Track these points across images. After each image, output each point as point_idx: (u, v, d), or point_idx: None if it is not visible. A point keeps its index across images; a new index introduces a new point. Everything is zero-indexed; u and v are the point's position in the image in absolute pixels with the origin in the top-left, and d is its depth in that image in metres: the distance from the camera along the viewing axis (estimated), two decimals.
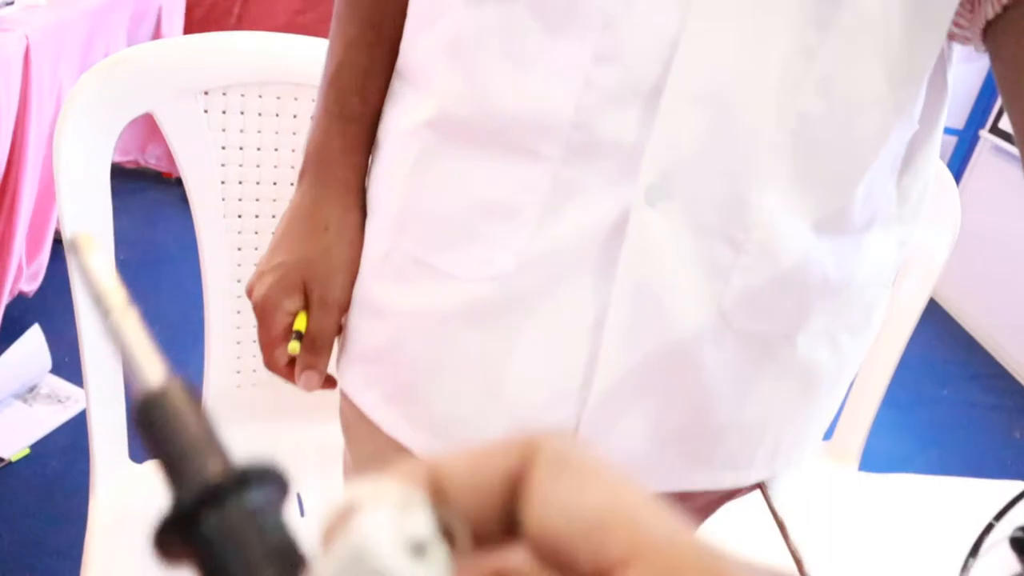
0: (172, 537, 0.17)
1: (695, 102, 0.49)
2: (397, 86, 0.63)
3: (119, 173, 0.91)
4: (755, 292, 0.55)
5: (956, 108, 3.41)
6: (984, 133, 3.35)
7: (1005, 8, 0.49)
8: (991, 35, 0.51)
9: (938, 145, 0.61)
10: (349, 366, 0.68)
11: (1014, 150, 3.13)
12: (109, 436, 0.96)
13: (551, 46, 0.50)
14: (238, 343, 1.05)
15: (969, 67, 3.31)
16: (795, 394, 0.62)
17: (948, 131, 3.43)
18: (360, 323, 0.65)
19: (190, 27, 2.77)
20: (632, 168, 0.51)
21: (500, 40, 0.52)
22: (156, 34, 2.52)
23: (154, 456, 0.19)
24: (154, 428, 0.19)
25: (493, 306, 0.57)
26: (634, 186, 0.51)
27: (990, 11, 0.50)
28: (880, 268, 0.61)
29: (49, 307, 2.05)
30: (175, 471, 0.18)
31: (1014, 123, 0.50)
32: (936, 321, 3.33)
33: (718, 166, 0.51)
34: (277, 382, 0.70)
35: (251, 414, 1.07)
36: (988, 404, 2.85)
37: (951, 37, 0.54)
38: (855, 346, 0.64)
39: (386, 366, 0.64)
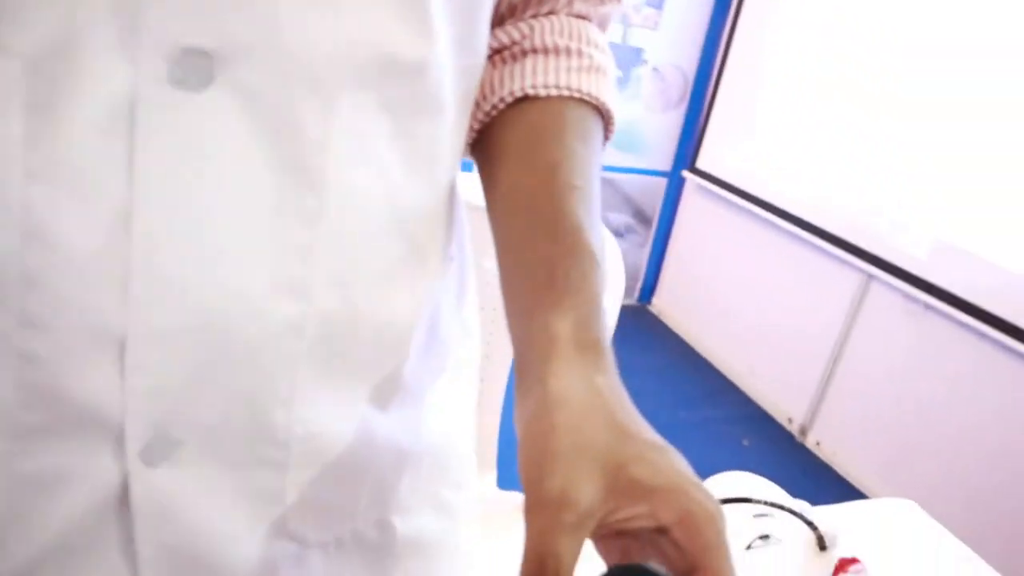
0: None
1: (171, 338, 0.38)
2: None
3: None
4: (324, 498, 0.46)
5: (662, 152, 3.73)
6: (686, 173, 3.69)
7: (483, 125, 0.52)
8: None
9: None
10: None
11: (711, 187, 3.47)
12: None
13: None
14: None
15: (668, 115, 3.62)
16: (421, 572, 0.56)
17: (657, 173, 3.73)
18: None
19: None
20: (113, 434, 0.38)
21: None
22: None
23: None
24: None
25: None
26: (125, 451, 0.39)
27: (475, 126, 0.52)
28: (465, 417, 0.59)
29: None
30: None
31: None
32: (673, 348, 3.57)
33: (226, 396, 0.40)
34: None
35: None
36: (719, 417, 3.02)
37: None
38: (462, 496, 0.60)
39: None
